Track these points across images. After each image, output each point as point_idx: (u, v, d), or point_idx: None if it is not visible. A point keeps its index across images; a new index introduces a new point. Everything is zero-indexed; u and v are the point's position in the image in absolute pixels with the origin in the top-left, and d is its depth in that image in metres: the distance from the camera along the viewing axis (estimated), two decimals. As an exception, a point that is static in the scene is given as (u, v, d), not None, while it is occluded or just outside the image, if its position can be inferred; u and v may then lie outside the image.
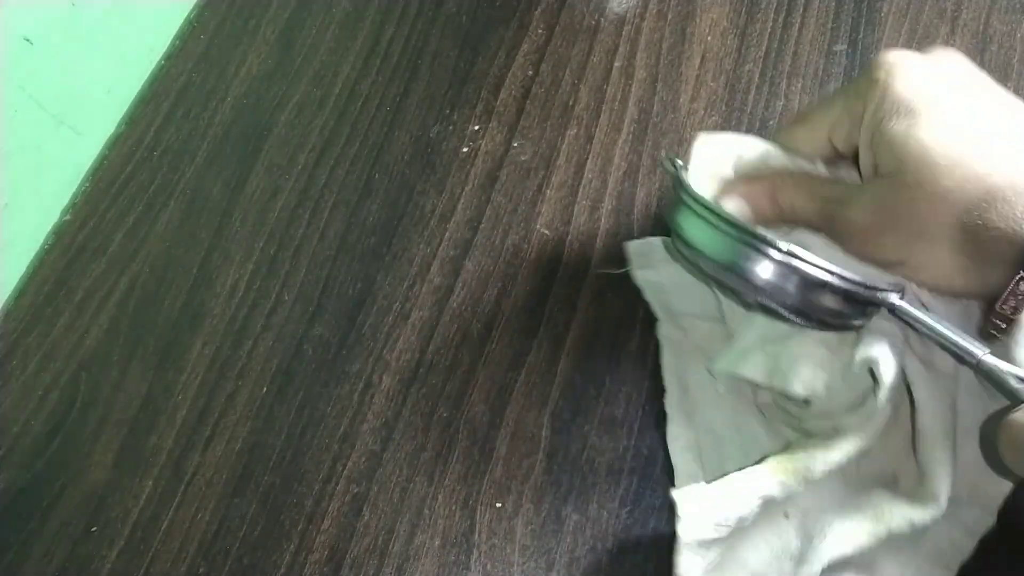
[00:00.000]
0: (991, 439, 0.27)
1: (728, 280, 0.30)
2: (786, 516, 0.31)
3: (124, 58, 0.50)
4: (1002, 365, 0.26)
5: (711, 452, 0.35)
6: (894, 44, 0.45)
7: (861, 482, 0.31)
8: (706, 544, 0.29)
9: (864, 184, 0.31)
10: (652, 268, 0.38)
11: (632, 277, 0.39)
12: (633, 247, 0.39)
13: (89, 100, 0.48)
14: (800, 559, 0.30)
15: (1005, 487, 0.29)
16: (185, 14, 0.53)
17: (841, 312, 0.29)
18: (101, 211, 0.46)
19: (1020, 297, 0.27)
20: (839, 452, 0.29)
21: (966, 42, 0.45)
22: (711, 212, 0.29)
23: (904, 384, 0.30)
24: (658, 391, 0.38)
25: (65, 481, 0.39)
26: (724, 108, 0.45)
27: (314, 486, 0.38)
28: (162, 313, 0.43)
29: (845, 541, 0.29)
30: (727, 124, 0.44)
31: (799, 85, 0.45)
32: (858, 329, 0.30)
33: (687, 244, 0.31)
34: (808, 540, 0.30)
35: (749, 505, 0.29)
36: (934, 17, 0.46)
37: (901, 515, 0.28)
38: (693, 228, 0.30)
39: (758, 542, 0.30)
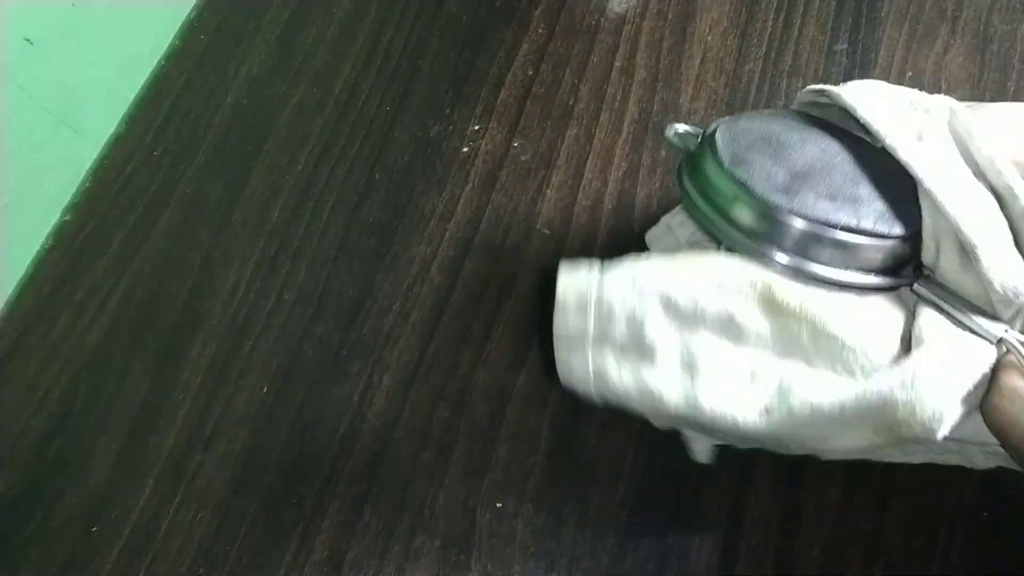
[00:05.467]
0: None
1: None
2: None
3: (124, 58, 0.50)
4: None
5: None
6: (894, 44, 0.45)
7: None
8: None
9: None
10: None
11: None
12: (650, 236, 0.38)
13: (89, 100, 0.48)
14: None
15: None
16: (185, 14, 0.53)
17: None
18: (101, 211, 0.46)
19: None
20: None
21: (966, 42, 0.45)
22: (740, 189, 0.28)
23: None
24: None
25: (65, 481, 0.39)
26: (725, 108, 0.45)
27: (314, 486, 0.38)
28: (162, 313, 0.43)
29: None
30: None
31: (799, 85, 0.45)
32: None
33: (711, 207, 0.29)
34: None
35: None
36: (934, 17, 0.46)
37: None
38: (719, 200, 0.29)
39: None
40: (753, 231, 0.28)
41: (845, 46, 0.46)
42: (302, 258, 0.43)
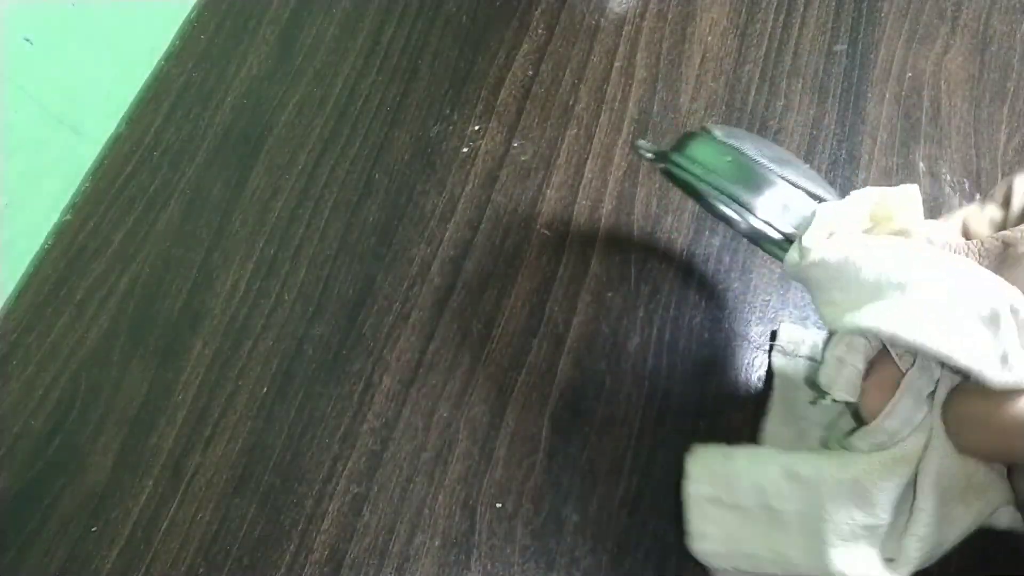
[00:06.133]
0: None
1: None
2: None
3: (124, 58, 0.50)
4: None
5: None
6: (894, 44, 0.45)
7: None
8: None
9: None
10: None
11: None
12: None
13: (89, 100, 0.48)
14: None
15: None
16: (185, 14, 0.53)
17: None
18: (101, 211, 0.46)
19: None
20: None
21: (966, 42, 0.45)
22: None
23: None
24: (657, 391, 0.38)
25: (65, 481, 0.39)
26: (724, 108, 0.45)
27: (314, 486, 0.38)
28: (162, 313, 0.43)
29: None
30: (727, 124, 0.44)
31: (799, 85, 0.45)
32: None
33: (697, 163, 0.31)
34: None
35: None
36: (934, 17, 0.46)
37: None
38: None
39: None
40: (742, 189, 0.30)
41: (845, 46, 0.46)
42: (302, 258, 0.43)
